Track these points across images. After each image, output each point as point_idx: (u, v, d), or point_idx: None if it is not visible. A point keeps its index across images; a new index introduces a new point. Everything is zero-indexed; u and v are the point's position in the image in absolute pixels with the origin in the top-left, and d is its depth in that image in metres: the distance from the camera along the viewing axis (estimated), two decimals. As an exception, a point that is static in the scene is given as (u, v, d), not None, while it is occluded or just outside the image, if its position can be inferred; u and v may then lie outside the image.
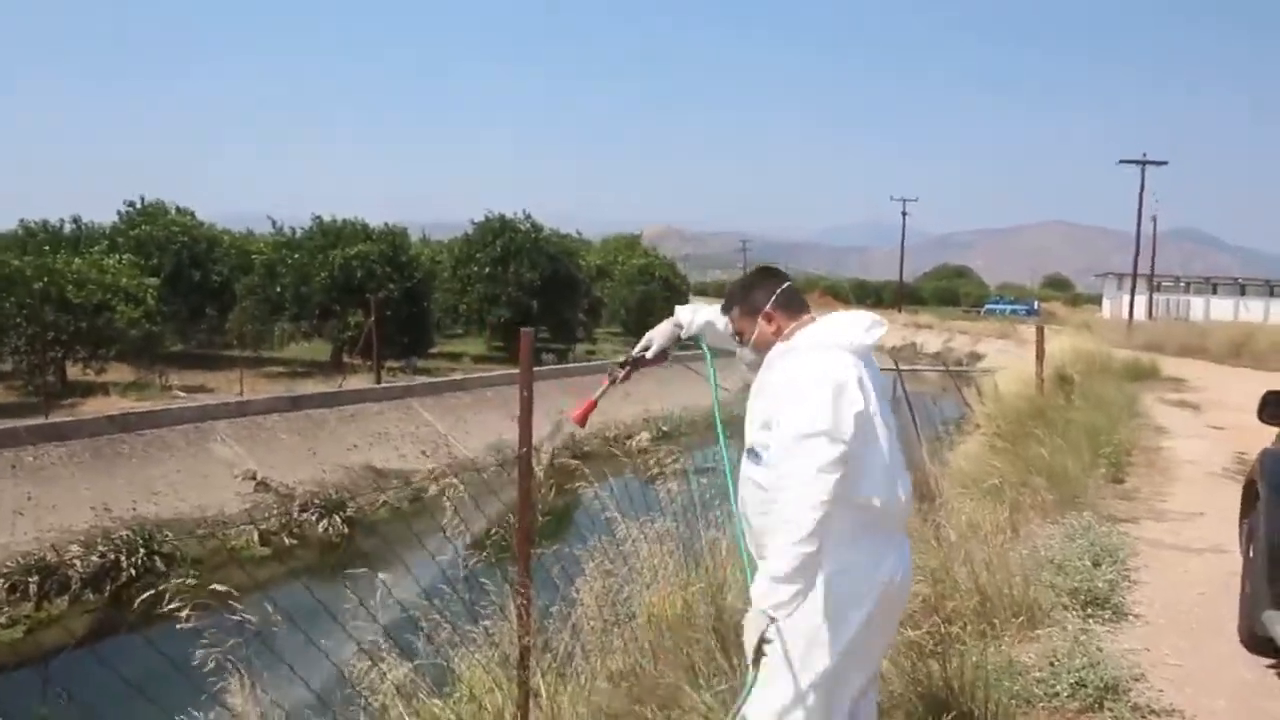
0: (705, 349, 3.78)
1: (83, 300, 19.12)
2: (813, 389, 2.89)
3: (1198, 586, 6.92)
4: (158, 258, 24.74)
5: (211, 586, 2.86)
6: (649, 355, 3.61)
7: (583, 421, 3.42)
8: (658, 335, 3.66)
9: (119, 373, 20.40)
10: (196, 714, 2.81)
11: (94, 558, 12.66)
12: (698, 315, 3.67)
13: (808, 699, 2.98)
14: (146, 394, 19.15)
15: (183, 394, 19.60)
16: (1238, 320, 48.50)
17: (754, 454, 3.13)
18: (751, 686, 2.99)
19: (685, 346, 3.74)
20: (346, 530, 15.37)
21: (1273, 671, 5.41)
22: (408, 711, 3.19)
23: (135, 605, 2.75)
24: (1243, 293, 62.29)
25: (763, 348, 3.24)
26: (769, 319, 3.23)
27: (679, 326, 3.66)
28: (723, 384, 3.74)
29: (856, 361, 3.06)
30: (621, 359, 3.50)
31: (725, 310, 3.40)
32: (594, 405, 3.43)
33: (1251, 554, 5.76)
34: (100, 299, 19.49)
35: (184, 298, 25.32)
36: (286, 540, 14.94)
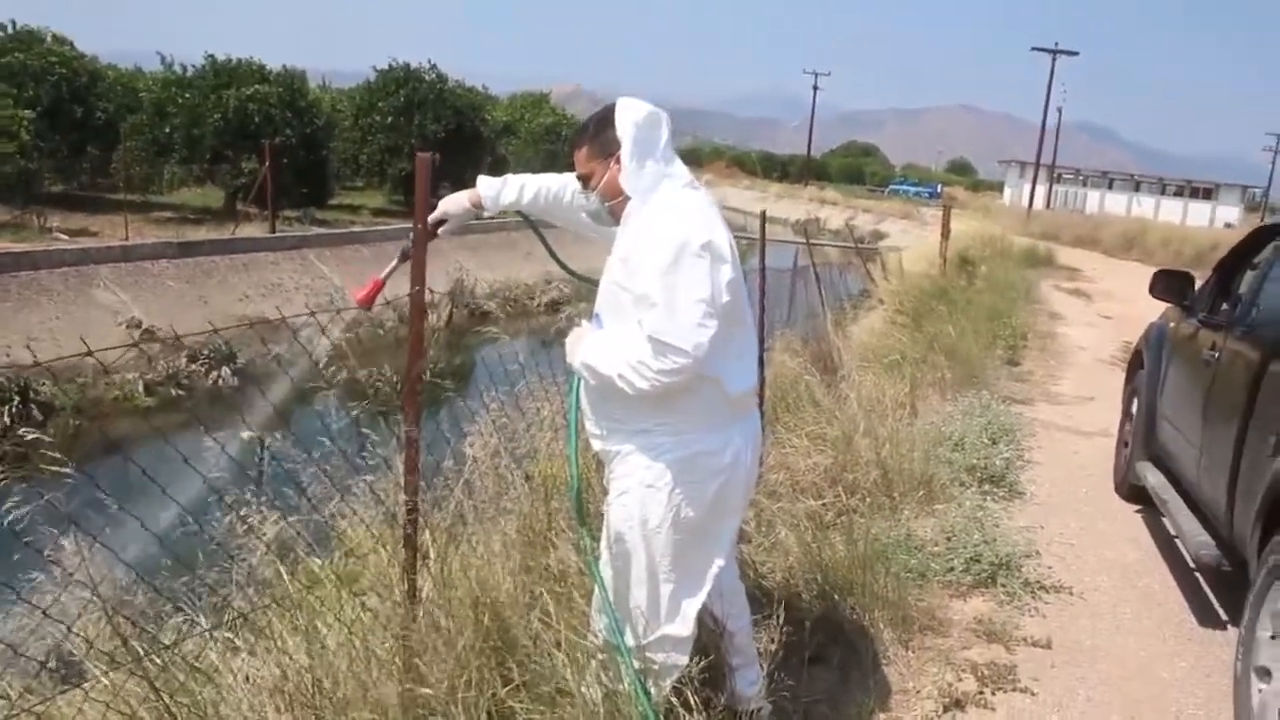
0: (531, 225, 3.47)
1: (-54, 130, 17.83)
2: (689, 253, 2.65)
3: (1088, 468, 7.05)
4: (32, 89, 23.08)
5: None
6: (441, 232, 3.20)
7: (369, 303, 3.07)
8: (453, 208, 3.22)
9: (-8, 211, 19.25)
10: (36, 574, 2.56)
11: (-35, 403, 12.05)
12: (505, 190, 3.24)
13: (659, 581, 2.92)
14: (23, 235, 18.08)
15: (64, 236, 18.58)
16: (1130, 215, 49.71)
17: (598, 320, 2.94)
18: (600, 569, 2.95)
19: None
20: (236, 381, 14.94)
21: (1155, 551, 5.54)
22: (285, 569, 2.98)
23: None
24: (1137, 189, 63.85)
25: (611, 196, 2.92)
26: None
27: (478, 206, 3.23)
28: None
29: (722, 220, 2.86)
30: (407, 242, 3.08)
31: (574, 149, 2.99)
32: (381, 285, 3.06)
33: (1132, 413, 6.33)
34: (-33, 129, 18.21)
35: (63, 135, 23.72)
36: (174, 391, 14.46)
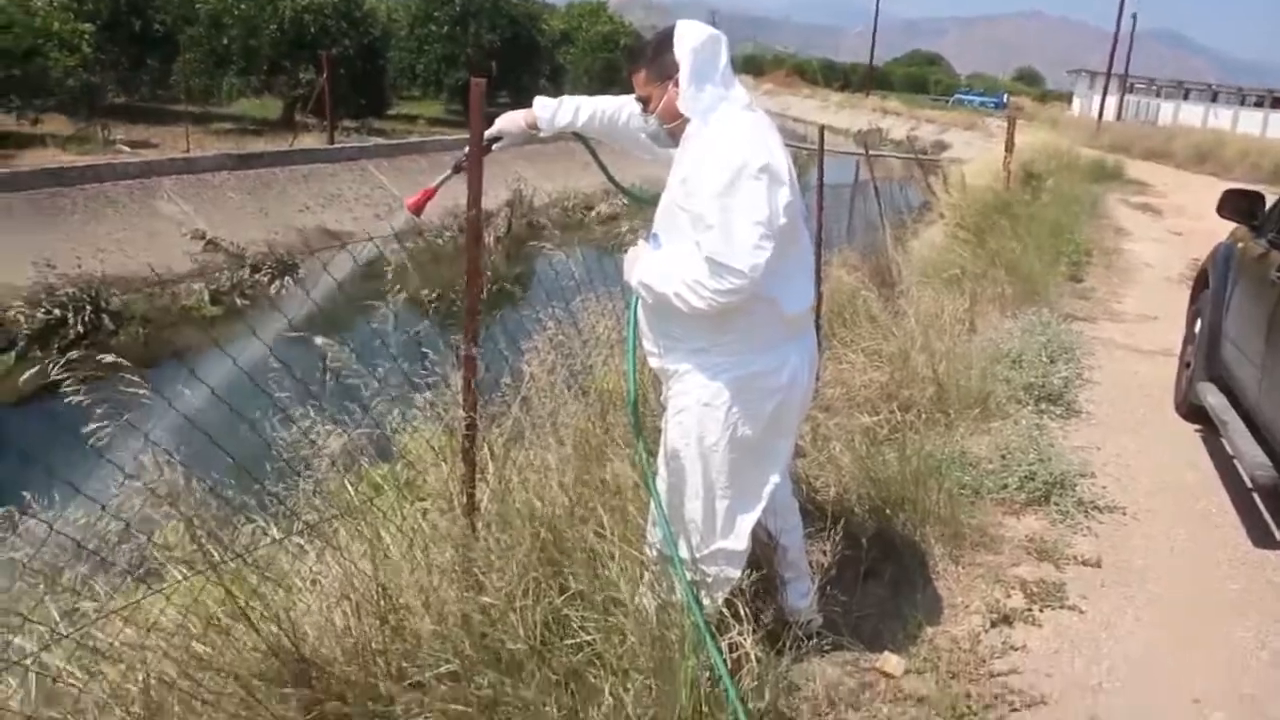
0: (588, 146, 3.48)
1: (10, 45, 17.91)
2: (746, 175, 2.67)
3: (1148, 388, 6.97)
4: (91, 3, 23.15)
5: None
6: (496, 148, 3.22)
7: (418, 210, 3.13)
8: (509, 127, 3.24)
9: (56, 124, 19.37)
10: (119, 482, 2.67)
11: (39, 313, 12.35)
12: (561, 112, 3.24)
13: (715, 497, 2.99)
14: (88, 148, 18.28)
15: (127, 149, 18.77)
16: (1206, 127, 47.98)
17: (655, 239, 2.97)
18: (656, 484, 3.01)
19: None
20: (300, 294, 15.16)
21: (1213, 474, 5.50)
22: (349, 481, 3.08)
23: (77, 364, 2.53)
24: (1214, 99, 61.25)
25: (669, 119, 2.91)
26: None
27: (534, 127, 3.25)
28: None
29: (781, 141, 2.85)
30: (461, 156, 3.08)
31: (631, 70, 2.98)
32: (432, 193, 3.09)
33: (1196, 334, 6.25)
34: (30, 44, 18.28)
35: (123, 48, 23.86)
36: (238, 300, 14.72)
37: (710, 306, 2.69)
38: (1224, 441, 5.23)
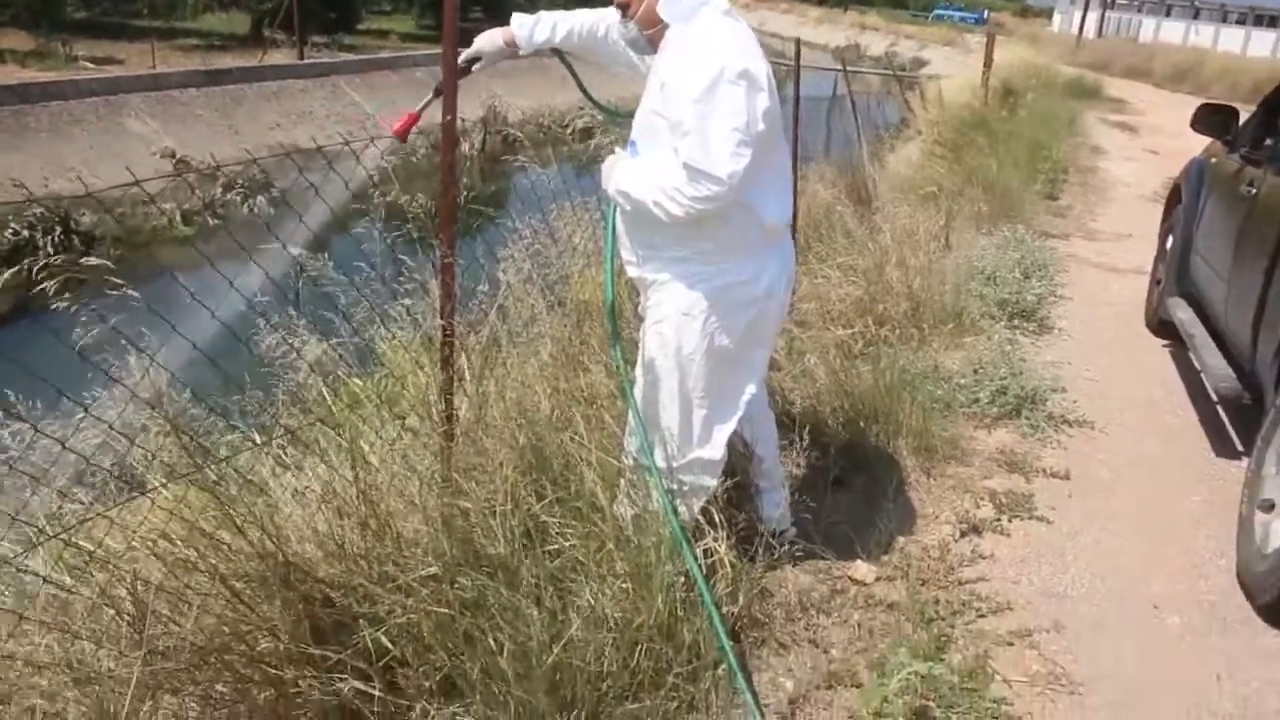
0: (565, 62, 3.46)
1: (-35, -44, 17.42)
2: (724, 81, 2.65)
3: (1119, 306, 7.05)
4: (50, -92, 22.52)
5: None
6: (475, 69, 3.21)
7: (404, 135, 3.12)
8: (487, 46, 3.22)
9: (15, 39, 18.89)
10: (99, 391, 2.69)
11: (7, 234, 12.18)
12: (539, 28, 3.21)
13: (692, 406, 3.02)
14: (49, 64, 17.85)
15: (91, 65, 18.34)
16: (1187, 44, 47.66)
17: (633, 146, 2.97)
18: (633, 393, 3.05)
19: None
20: (273, 211, 15.00)
21: (1181, 389, 5.59)
22: (327, 389, 3.10)
23: (48, 283, 2.52)
24: (1196, 16, 60.80)
25: (649, 24, 2.90)
26: None
27: (512, 45, 3.22)
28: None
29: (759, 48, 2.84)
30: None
31: None
32: (416, 118, 3.08)
33: (1167, 249, 6.31)
34: (-13, -45, 17.80)
35: (83, -42, 23.34)
36: (210, 220, 14.55)
37: (688, 214, 2.69)
38: (1191, 356, 5.32)
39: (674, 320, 2.94)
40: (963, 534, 3.82)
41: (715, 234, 2.84)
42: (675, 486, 3.02)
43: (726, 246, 2.88)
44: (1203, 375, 4.95)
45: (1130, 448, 4.81)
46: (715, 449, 3.08)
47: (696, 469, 3.08)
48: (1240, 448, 4.82)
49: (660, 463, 3.00)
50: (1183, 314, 5.52)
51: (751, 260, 2.94)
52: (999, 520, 3.95)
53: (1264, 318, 4.20)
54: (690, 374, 2.98)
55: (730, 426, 3.09)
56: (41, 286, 2.60)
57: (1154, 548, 3.92)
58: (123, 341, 2.39)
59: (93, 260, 2.36)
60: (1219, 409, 5.17)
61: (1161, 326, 6.22)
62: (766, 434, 3.45)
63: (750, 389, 3.08)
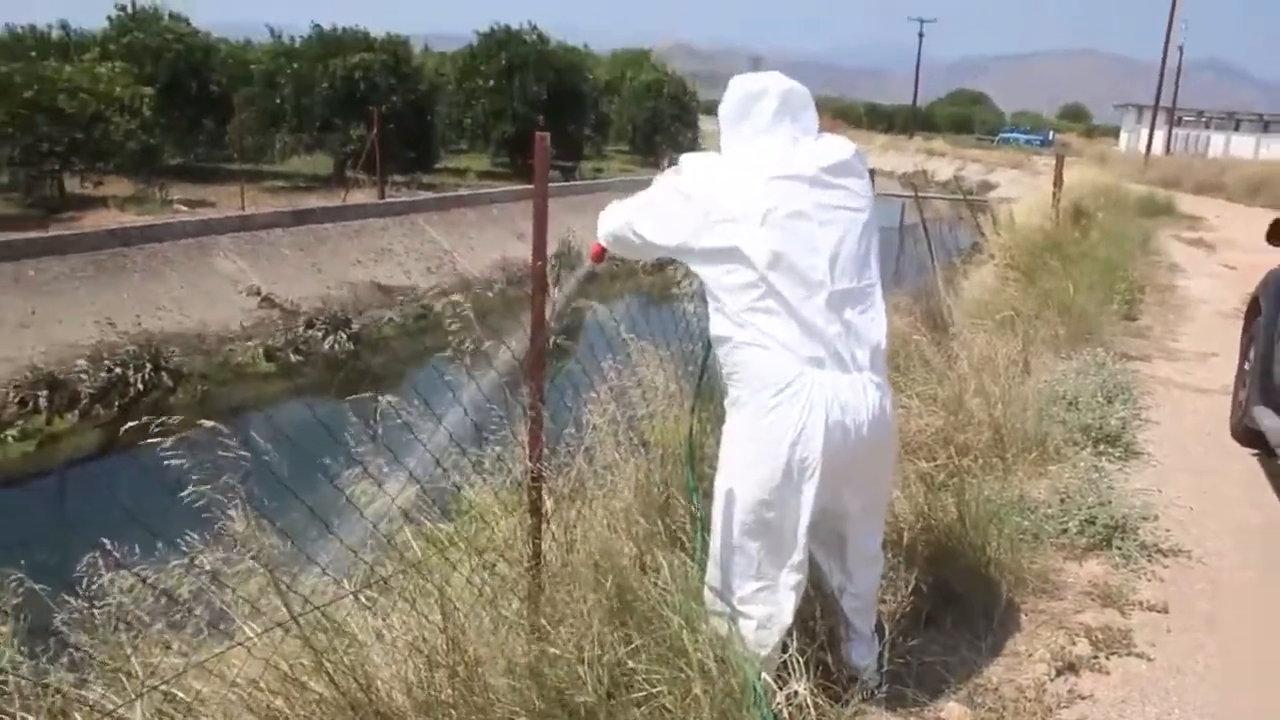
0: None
1: (76, 110, 18.48)
2: (671, 172, 3.15)
3: (1207, 427, 6.88)
4: (151, 67, 23.81)
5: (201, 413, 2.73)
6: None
7: (599, 258, 3.53)
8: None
9: (117, 186, 19.95)
10: (197, 536, 2.75)
11: (101, 373, 12.65)
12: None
13: (745, 539, 3.00)
14: (146, 208, 18.80)
15: (184, 208, 19.26)
16: (1258, 158, 47.30)
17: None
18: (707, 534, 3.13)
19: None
20: (352, 347, 15.40)
21: (1278, 512, 5.41)
22: (415, 535, 3.14)
23: (142, 423, 2.61)
24: (1266, 129, 60.33)
25: None
26: None
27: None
28: None
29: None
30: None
31: None
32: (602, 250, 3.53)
33: (1249, 359, 6.50)
34: (94, 109, 18.85)
35: (181, 109, 24.49)
36: (292, 356, 14.97)
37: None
38: None
39: (725, 448, 3.03)
40: (1059, 672, 3.69)
41: (750, 372, 2.94)
42: (743, 618, 2.98)
43: (751, 381, 2.93)
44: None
45: (1229, 576, 4.64)
46: (777, 584, 2.99)
47: (761, 601, 3.00)
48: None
49: (735, 591, 2.98)
50: (1269, 422, 5.61)
51: (785, 398, 2.88)
52: (1096, 658, 3.81)
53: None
54: (737, 504, 2.96)
55: (791, 559, 2.98)
56: (130, 425, 2.70)
57: (1264, 685, 3.75)
58: (215, 482, 2.44)
59: (207, 424, 2.44)
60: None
61: (1246, 434, 6.29)
62: (864, 584, 3.33)
63: (804, 524, 2.95)
